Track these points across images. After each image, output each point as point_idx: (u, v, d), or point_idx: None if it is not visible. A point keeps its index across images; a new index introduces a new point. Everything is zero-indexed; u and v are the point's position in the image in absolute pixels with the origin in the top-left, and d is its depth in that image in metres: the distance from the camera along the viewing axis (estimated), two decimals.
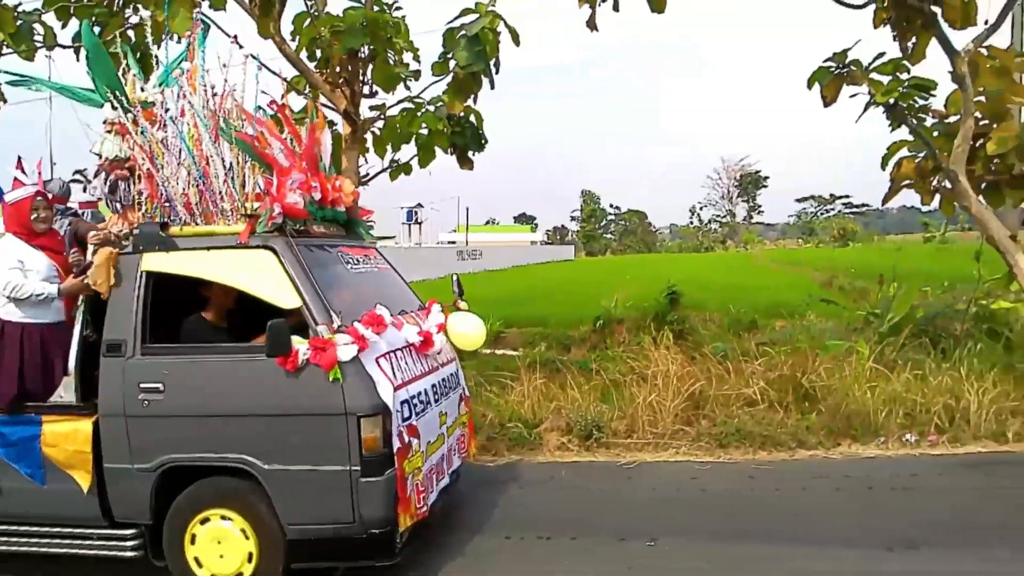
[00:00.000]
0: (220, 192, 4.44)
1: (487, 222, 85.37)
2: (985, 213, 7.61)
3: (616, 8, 7.82)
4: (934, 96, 7.64)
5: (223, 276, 4.35)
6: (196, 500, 4.26)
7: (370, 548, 4.19)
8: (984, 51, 7.42)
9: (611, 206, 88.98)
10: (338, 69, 8.55)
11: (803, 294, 13.16)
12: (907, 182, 8.09)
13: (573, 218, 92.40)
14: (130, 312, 4.30)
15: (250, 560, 4.19)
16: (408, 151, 9.04)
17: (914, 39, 7.44)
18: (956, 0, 6.97)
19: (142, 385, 4.21)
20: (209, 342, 4.43)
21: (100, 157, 4.68)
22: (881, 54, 7.59)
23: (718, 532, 5.06)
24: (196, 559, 4.25)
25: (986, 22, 7.33)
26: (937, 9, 7.12)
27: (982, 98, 7.55)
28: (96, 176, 4.77)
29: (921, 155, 7.98)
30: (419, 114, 8.71)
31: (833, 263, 20.84)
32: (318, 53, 8.50)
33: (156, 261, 4.35)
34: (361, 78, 8.87)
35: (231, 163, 4.49)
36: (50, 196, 4.78)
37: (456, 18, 7.87)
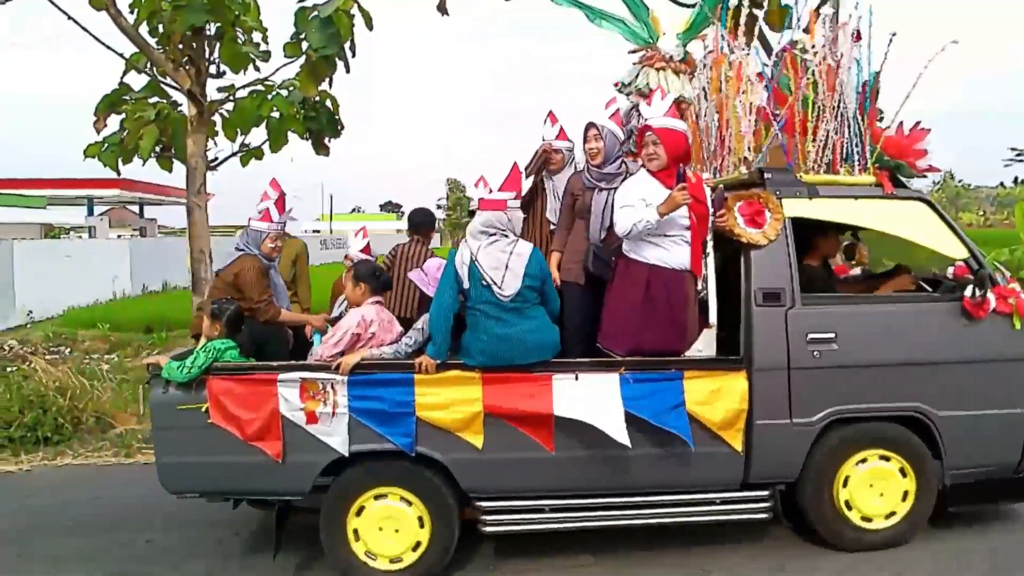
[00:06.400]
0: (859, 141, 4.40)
1: (353, 210, 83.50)
2: None
3: None
4: None
5: (876, 224, 4.38)
6: (851, 447, 4.22)
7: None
8: None
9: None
10: (180, 46, 8.15)
11: None
12: None
13: (439, 206, 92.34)
14: (785, 259, 4.14)
15: (904, 499, 4.26)
16: (261, 135, 8.71)
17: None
18: (775, 5, 7.68)
19: (811, 336, 4.09)
20: (830, 289, 4.54)
21: (641, 94, 4.76)
22: None
23: None
24: (848, 504, 4.26)
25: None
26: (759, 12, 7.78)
27: None
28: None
29: None
30: (269, 97, 8.45)
31: None
32: (160, 28, 8.07)
33: (800, 208, 4.22)
34: (207, 56, 8.51)
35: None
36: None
37: None
